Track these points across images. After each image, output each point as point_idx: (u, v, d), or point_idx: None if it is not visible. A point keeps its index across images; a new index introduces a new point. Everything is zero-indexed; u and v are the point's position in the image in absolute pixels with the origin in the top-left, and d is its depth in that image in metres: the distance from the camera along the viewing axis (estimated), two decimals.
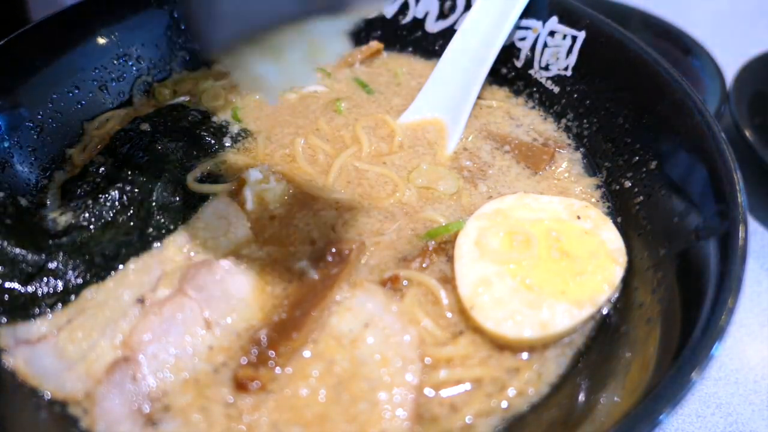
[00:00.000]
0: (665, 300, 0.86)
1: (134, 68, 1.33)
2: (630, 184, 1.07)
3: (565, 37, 1.24)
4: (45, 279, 0.93)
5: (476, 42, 1.26)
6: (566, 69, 1.25)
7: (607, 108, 1.17)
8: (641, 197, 1.03)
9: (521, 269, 0.94)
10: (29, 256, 0.93)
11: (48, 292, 0.92)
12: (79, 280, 0.94)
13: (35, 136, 1.14)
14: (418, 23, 1.46)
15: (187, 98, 1.32)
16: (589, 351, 0.91)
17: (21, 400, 0.83)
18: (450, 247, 1.00)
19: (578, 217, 1.01)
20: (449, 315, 0.93)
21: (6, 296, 0.90)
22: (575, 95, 1.24)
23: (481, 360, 0.88)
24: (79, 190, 1.07)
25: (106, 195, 1.03)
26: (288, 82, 0.85)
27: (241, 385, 0.83)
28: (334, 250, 0.99)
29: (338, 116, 1.29)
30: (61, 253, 0.96)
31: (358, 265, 0.98)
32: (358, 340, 0.88)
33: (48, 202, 1.08)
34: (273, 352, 0.85)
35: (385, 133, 1.25)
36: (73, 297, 0.92)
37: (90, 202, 1.03)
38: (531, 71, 1.32)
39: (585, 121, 1.22)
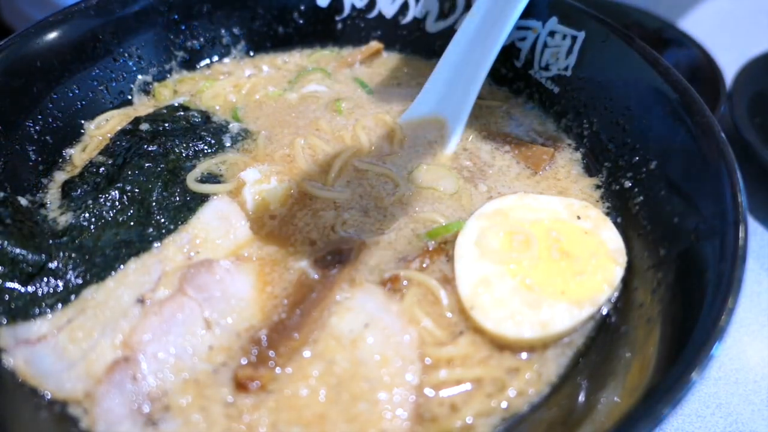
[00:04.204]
0: (665, 300, 0.86)
1: (134, 68, 1.33)
2: (630, 184, 1.07)
3: (565, 37, 1.24)
4: (45, 279, 0.93)
5: (476, 42, 1.26)
6: (566, 69, 1.25)
7: (607, 108, 1.17)
8: (641, 197, 1.03)
9: (521, 269, 0.94)
10: (29, 256, 0.93)
11: (48, 292, 0.92)
12: (79, 280, 0.94)
13: (35, 136, 1.14)
14: (418, 23, 1.46)
15: (187, 98, 1.33)
16: (589, 351, 0.90)
17: (21, 400, 0.83)
18: (450, 247, 1.00)
19: (578, 217, 1.01)
20: (449, 315, 0.93)
21: (6, 296, 0.90)
22: (575, 95, 1.24)
23: (481, 360, 0.88)
24: (79, 190, 1.07)
25: (106, 195, 1.04)
26: None
27: (241, 385, 0.83)
28: (334, 250, 0.99)
29: (338, 116, 1.29)
30: (61, 253, 0.96)
31: (358, 265, 0.98)
32: (358, 340, 0.88)
33: (48, 202, 1.08)
34: (273, 352, 0.85)
35: (385, 133, 1.25)
36: (73, 297, 0.92)
37: (90, 202, 1.03)
38: (531, 71, 1.32)
39: (585, 121, 1.22)
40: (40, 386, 0.84)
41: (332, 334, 0.89)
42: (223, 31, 1.43)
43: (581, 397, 0.83)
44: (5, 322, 0.88)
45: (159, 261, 0.97)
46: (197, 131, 1.18)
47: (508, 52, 1.33)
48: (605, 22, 1.18)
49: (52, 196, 1.10)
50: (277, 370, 0.84)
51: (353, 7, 1.47)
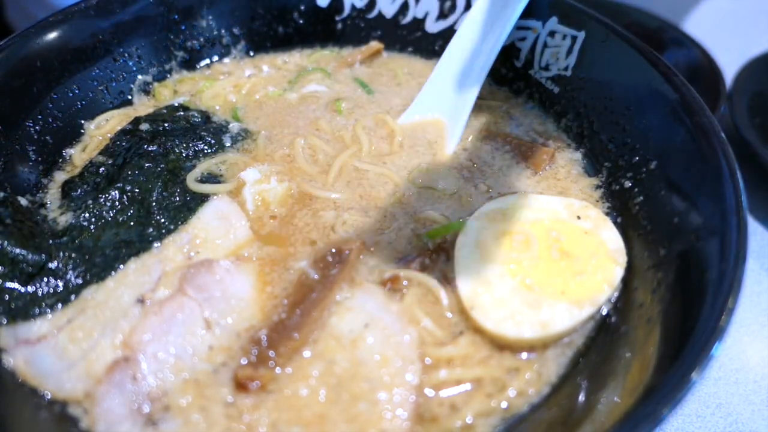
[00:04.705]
0: (665, 300, 0.86)
1: (134, 68, 1.33)
2: (630, 184, 1.07)
3: (565, 37, 1.24)
4: (45, 279, 0.93)
5: (476, 42, 1.26)
6: (566, 69, 1.25)
7: (607, 108, 1.17)
8: (641, 197, 1.03)
9: (521, 269, 0.94)
10: (29, 256, 0.93)
11: (48, 292, 0.92)
12: (79, 280, 0.94)
13: (35, 136, 1.14)
14: (418, 23, 1.46)
15: (187, 98, 1.33)
16: (589, 351, 0.90)
17: (21, 400, 0.83)
18: (450, 247, 1.00)
19: (578, 217, 1.01)
20: (449, 315, 0.93)
21: (6, 296, 0.90)
22: (575, 95, 1.24)
23: (481, 360, 0.88)
24: (79, 190, 1.07)
25: (106, 195, 1.04)
26: None
27: (241, 385, 0.83)
28: (334, 250, 0.99)
29: (338, 116, 1.29)
30: (61, 253, 0.96)
31: (358, 265, 0.98)
32: (358, 340, 0.88)
33: (48, 202, 1.08)
34: (273, 352, 0.85)
35: (385, 133, 1.25)
36: (73, 297, 0.92)
37: (90, 202, 1.03)
38: (531, 71, 1.32)
39: (585, 121, 1.22)
40: (40, 386, 0.84)
41: (332, 334, 0.89)
42: (223, 31, 1.43)
43: (581, 397, 0.83)
44: (5, 322, 0.88)
45: (159, 261, 0.97)
46: (197, 131, 1.18)
47: (508, 52, 1.33)
48: (605, 22, 1.18)
49: (52, 196, 1.10)
50: (277, 370, 0.84)
51: (353, 7, 1.47)
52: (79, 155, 1.18)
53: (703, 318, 0.74)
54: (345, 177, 1.14)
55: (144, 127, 1.16)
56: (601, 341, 0.91)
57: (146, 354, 0.85)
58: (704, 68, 1.67)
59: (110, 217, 1.02)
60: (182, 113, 1.23)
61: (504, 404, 0.84)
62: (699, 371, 0.67)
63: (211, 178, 1.12)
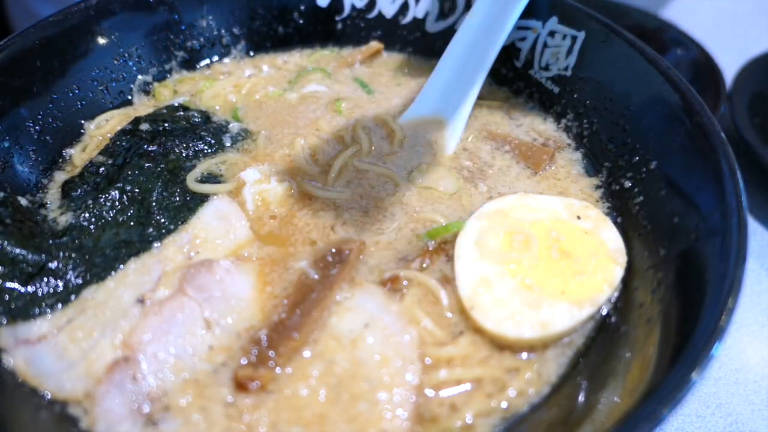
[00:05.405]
0: (665, 300, 0.86)
1: (134, 68, 1.33)
2: (630, 184, 1.07)
3: (565, 37, 1.24)
4: (45, 279, 0.93)
5: (476, 42, 1.26)
6: (566, 69, 1.25)
7: (607, 108, 1.17)
8: (641, 197, 1.03)
9: (521, 269, 0.94)
10: (29, 256, 0.93)
11: (48, 292, 0.92)
12: (79, 280, 0.94)
13: (35, 136, 1.14)
14: (418, 23, 1.46)
15: (187, 98, 1.33)
16: (589, 351, 0.90)
17: (21, 400, 0.83)
18: (450, 247, 1.00)
19: (578, 217, 1.01)
20: (449, 315, 0.93)
21: (6, 296, 0.90)
22: (575, 95, 1.24)
23: (481, 360, 0.88)
24: (79, 190, 1.07)
25: (106, 195, 1.03)
26: None
27: (241, 385, 0.83)
28: (334, 250, 0.99)
29: (338, 116, 1.29)
30: (61, 253, 0.96)
31: (358, 265, 0.98)
32: (358, 340, 0.88)
33: (48, 202, 1.08)
34: (273, 352, 0.85)
35: (385, 133, 1.25)
36: (73, 297, 0.92)
37: (90, 202, 1.03)
38: (531, 71, 1.32)
39: (585, 121, 1.22)
40: (40, 386, 0.84)
41: (332, 334, 0.89)
42: (223, 31, 1.43)
43: (581, 397, 0.83)
44: (5, 322, 0.88)
45: (159, 261, 0.97)
46: (197, 131, 1.18)
47: (508, 52, 1.33)
48: (605, 22, 1.18)
49: (52, 196, 1.10)
50: (277, 370, 0.84)
51: (353, 7, 1.47)
52: (79, 155, 1.18)
53: (703, 318, 0.74)
54: (345, 177, 1.14)
55: (144, 127, 1.16)
56: (601, 341, 0.91)
57: (146, 354, 0.85)
58: (704, 68, 1.67)
59: (110, 217, 1.02)
60: (182, 113, 1.23)
61: (504, 404, 0.84)
62: (699, 371, 0.67)
63: (211, 178, 1.12)
